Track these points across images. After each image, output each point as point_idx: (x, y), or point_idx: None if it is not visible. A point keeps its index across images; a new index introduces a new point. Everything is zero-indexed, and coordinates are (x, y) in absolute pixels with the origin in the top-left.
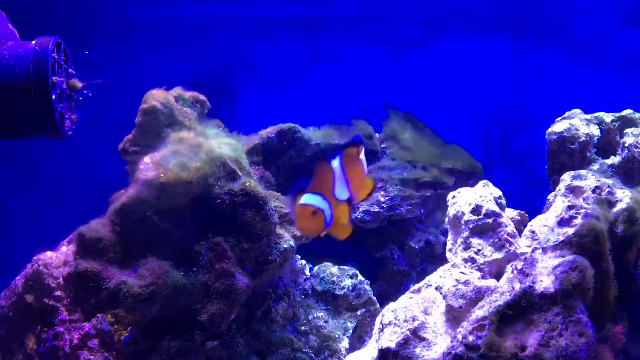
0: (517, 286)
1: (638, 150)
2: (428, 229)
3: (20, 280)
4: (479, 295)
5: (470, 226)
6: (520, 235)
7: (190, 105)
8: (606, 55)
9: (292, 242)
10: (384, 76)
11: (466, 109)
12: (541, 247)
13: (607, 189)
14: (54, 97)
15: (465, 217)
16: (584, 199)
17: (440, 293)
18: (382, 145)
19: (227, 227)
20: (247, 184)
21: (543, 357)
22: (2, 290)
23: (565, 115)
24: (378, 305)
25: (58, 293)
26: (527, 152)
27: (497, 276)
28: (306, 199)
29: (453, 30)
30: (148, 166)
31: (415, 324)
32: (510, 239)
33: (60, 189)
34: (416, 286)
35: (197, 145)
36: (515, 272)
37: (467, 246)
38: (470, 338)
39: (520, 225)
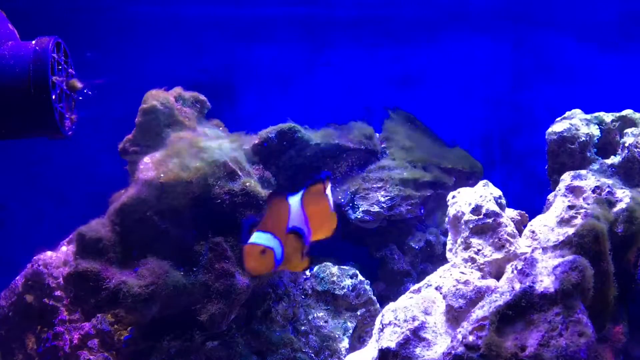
0: (517, 286)
1: (638, 150)
2: (428, 229)
3: (20, 280)
4: (479, 295)
5: (470, 226)
6: (520, 235)
7: (190, 105)
8: (606, 55)
9: None
10: (384, 76)
11: (466, 109)
12: (541, 247)
13: (607, 189)
14: (54, 97)
15: (465, 217)
16: (584, 199)
17: (440, 293)
18: (382, 145)
19: (227, 227)
20: (247, 183)
21: (543, 357)
22: (2, 290)
23: (565, 115)
24: (378, 305)
25: (58, 293)
26: (527, 152)
27: (497, 276)
28: (255, 237)
29: (453, 30)
30: (148, 166)
31: (416, 324)
32: (510, 239)
33: (60, 189)
34: (416, 286)
35: (197, 145)
36: (515, 272)
37: (467, 246)
38: (471, 338)
39: (520, 225)
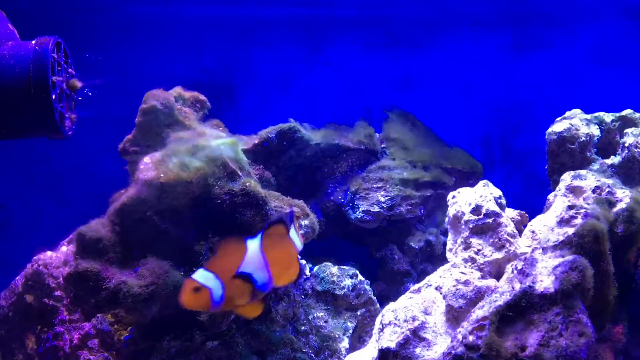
0: (517, 286)
1: (638, 150)
2: (428, 229)
3: (20, 280)
4: (479, 295)
5: (470, 226)
6: (520, 235)
7: (190, 105)
8: (606, 55)
9: None
10: (384, 76)
11: (466, 109)
12: (541, 247)
13: (607, 189)
14: (54, 97)
15: (465, 217)
16: (584, 199)
17: (440, 293)
18: (382, 145)
19: (227, 227)
20: (247, 184)
21: (543, 357)
22: (2, 290)
23: (565, 115)
24: (378, 305)
25: (58, 293)
26: (527, 152)
27: (497, 276)
28: (196, 273)
29: (453, 30)
30: (148, 166)
31: (416, 324)
32: (510, 239)
33: (60, 189)
34: (416, 286)
35: (197, 145)
36: (515, 272)
37: (467, 246)
38: (470, 338)
39: (520, 225)
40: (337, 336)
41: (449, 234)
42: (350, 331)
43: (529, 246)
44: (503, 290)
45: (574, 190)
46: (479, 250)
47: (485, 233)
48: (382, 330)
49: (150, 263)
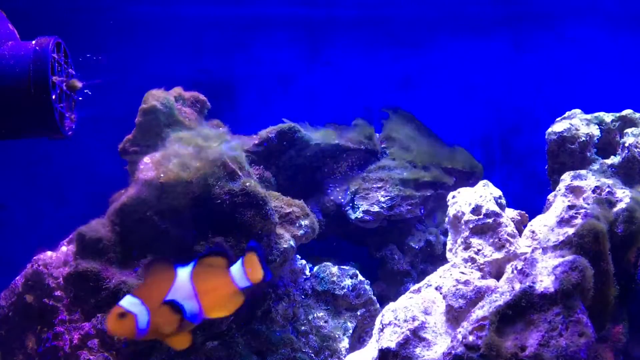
0: (517, 286)
1: (638, 150)
2: (428, 229)
3: (20, 280)
4: (479, 295)
5: (470, 226)
6: (520, 235)
7: (190, 105)
8: (606, 54)
9: (292, 242)
10: (384, 76)
11: (466, 110)
12: (541, 247)
13: (607, 189)
14: (54, 97)
15: (465, 217)
16: (584, 199)
17: (440, 293)
18: (382, 145)
19: (227, 227)
20: (247, 184)
21: (543, 357)
22: (2, 290)
23: (565, 115)
24: (378, 305)
25: (58, 293)
26: (527, 152)
27: (497, 276)
28: (123, 299)
29: (453, 30)
30: (148, 166)
31: (416, 324)
32: (510, 239)
33: (60, 189)
34: (416, 286)
35: (197, 145)
36: (515, 272)
37: (467, 246)
38: (470, 338)
39: (520, 225)
40: (337, 336)
41: (449, 234)
42: (350, 331)
43: (529, 246)
44: (503, 290)
45: (574, 190)
46: (479, 250)
47: (485, 233)
48: (382, 330)
49: None
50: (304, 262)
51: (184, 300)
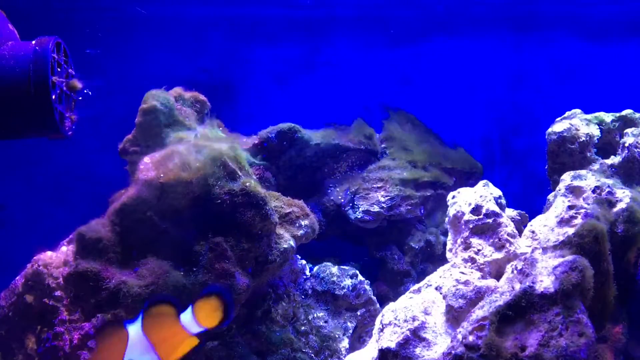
0: (517, 286)
1: (638, 150)
2: (428, 229)
3: (20, 280)
4: (479, 295)
5: (470, 226)
6: (520, 235)
7: (190, 105)
8: (606, 54)
9: (292, 242)
10: (384, 76)
11: (466, 109)
12: (541, 247)
13: (607, 189)
14: (54, 97)
15: (465, 217)
16: (584, 199)
17: (440, 293)
18: (382, 145)
19: (227, 227)
20: (247, 184)
21: (543, 357)
22: (2, 290)
23: (566, 115)
24: (378, 305)
25: (58, 293)
26: (527, 152)
27: (497, 276)
28: None
29: (453, 30)
30: (148, 166)
31: (416, 324)
32: (510, 239)
33: (60, 189)
34: (416, 286)
35: (197, 145)
36: (515, 272)
37: (467, 246)
38: (470, 338)
39: (520, 225)
40: (337, 336)
41: (449, 234)
42: (350, 331)
43: (529, 246)
44: (503, 290)
45: (574, 191)
46: (479, 250)
47: (485, 233)
48: (382, 330)
49: (150, 263)
50: (304, 262)
51: (142, 356)
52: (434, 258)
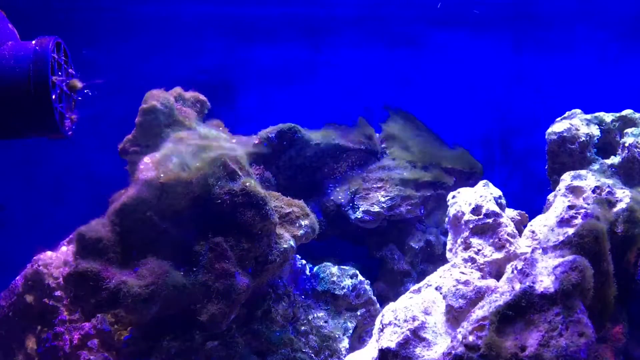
0: (517, 286)
1: (638, 150)
2: (428, 229)
3: (20, 280)
4: (479, 295)
5: (471, 226)
6: (520, 235)
7: (190, 105)
8: (606, 54)
9: (292, 242)
10: (384, 76)
11: (466, 109)
12: (541, 247)
13: (607, 189)
14: (54, 97)
15: (466, 217)
16: (584, 199)
17: (440, 293)
18: (382, 145)
19: (228, 227)
20: (247, 183)
21: (543, 357)
22: (2, 290)
23: (565, 115)
24: (378, 305)
25: (58, 293)
26: (527, 152)
27: (497, 276)
28: None
29: (453, 30)
30: (148, 166)
31: (416, 324)
32: (510, 239)
33: (60, 189)
34: (416, 286)
35: (197, 145)
36: (515, 272)
37: (467, 246)
38: (471, 338)
39: (520, 225)
40: (337, 336)
41: (449, 234)
42: (350, 331)
43: (529, 246)
44: (503, 290)
45: (574, 191)
46: (479, 250)
47: (485, 233)
48: (382, 330)
49: (150, 263)
50: (304, 262)
51: None
52: (434, 258)
